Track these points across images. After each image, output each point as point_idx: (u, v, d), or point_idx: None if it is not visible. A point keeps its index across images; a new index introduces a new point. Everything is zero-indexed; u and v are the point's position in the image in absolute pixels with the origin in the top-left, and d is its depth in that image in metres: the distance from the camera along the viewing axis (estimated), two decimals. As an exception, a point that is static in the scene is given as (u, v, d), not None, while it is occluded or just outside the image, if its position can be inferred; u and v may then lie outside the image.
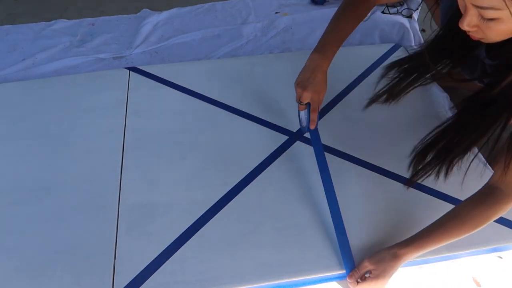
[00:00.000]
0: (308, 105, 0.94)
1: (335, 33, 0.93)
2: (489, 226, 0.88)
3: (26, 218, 0.92)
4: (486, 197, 0.75)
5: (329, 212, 0.90)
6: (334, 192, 0.91)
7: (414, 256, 0.78)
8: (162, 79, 1.24)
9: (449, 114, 1.11)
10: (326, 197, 0.91)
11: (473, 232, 0.75)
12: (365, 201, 0.94)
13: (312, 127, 0.96)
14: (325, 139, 1.06)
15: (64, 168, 1.01)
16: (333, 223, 0.88)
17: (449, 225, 0.76)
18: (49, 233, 0.89)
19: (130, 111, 1.14)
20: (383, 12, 1.50)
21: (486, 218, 0.75)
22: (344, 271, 0.83)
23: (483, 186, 0.78)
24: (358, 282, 0.80)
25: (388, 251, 0.79)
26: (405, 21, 1.45)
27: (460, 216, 0.76)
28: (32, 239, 0.89)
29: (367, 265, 0.79)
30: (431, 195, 0.94)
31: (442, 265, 0.87)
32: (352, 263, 0.83)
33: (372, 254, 0.81)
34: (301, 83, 0.91)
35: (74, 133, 1.09)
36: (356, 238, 0.87)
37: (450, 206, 0.85)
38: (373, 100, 0.99)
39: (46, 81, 1.26)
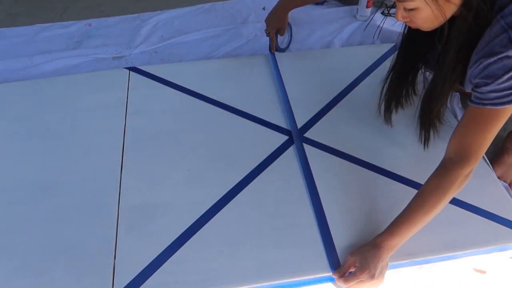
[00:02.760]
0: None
1: None
2: (489, 226, 0.89)
3: (26, 218, 0.92)
4: (439, 169, 0.79)
5: (328, 212, 0.90)
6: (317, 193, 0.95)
7: (395, 243, 0.78)
8: (162, 79, 1.24)
9: (457, 114, 1.12)
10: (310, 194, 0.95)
11: (438, 208, 0.77)
12: (365, 201, 0.94)
13: (272, 51, 1.31)
14: (325, 139, 1.06)
15: (64, 168, 1.01)
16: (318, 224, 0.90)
17: (415, 205, 0.79)
18: (49, 233, 0.89)
19: (130, 111, 1.14)
20: (382, 13, 1.50)
21: (442, 190, 0.76)
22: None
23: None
24: (346, 278, 0.80)
25: (368, 242, 0.81)
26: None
27: (421, 194, 0.79)
28: (32, 239, 0.89)
29: (350, 259, 0.81)
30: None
31: (442, 265, 0.87)
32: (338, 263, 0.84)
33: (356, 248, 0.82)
34: (267, 19, 1.27)
35: (74, 133, 1.09)
36: (358, 239, 0.87)
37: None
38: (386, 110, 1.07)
39: (46, 81, 1.26)
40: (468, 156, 0.75)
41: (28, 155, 1.04)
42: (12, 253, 0.87)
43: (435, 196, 0.77)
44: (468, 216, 0.91)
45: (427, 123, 0.99)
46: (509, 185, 1.01)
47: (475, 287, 0.85)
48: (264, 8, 1.60)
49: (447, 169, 0.77)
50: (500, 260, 0.88)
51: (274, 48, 1.31)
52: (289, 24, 1.34)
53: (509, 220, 0.90)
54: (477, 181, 0.96)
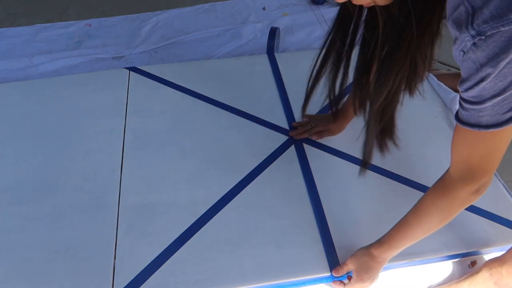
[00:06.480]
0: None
1: None
2: (489, 226, 0.88)
3: (26, 218, 0.92)
4: (437, 184, 0.67)
5: (328, 212, 0.90)
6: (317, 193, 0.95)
7: (391, 254, 0.75)
8: (162, 79, 1.24)
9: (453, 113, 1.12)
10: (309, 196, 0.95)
11: (434, 224, 0.68)
12: (365, 201, 0.94)
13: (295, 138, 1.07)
14: (325, 139, 1.06)
15: (64, 168, 1.01)
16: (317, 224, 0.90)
17: (411, 219, 0.70)
18: (49, 233, 0.89)
19: (130, 111, 1.14)
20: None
21: (439, 208, 0.66)
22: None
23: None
24: (344, 284, 0.82)
25: (365, 251, 0.78)
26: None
27: (418, 209, 0.69)
28: (32, 239, 0.89)
29: (349, 264, 0.81)
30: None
31: (442, 265, 0.87)
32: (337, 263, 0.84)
33: (354, 252, 0.81)
34: (318, 118, 1.07)
35: (74, 133, 1.09)
36: (358, 239, 0.87)
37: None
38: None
39: (46, 81, 1.26)
40: (472, 174, 0.60)
41: (28, 155, 1.04)
42: (12, 253, 0.87)
43: (432, 214, 0.67)
44: (468, 216, 0.90)
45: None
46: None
47: None
48: (264, 8, 1.60)
49: (445, 185, 0.64)
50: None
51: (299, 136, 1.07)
52: (278, 28, 1.33)
53: (509, 220, 0.90)
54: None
